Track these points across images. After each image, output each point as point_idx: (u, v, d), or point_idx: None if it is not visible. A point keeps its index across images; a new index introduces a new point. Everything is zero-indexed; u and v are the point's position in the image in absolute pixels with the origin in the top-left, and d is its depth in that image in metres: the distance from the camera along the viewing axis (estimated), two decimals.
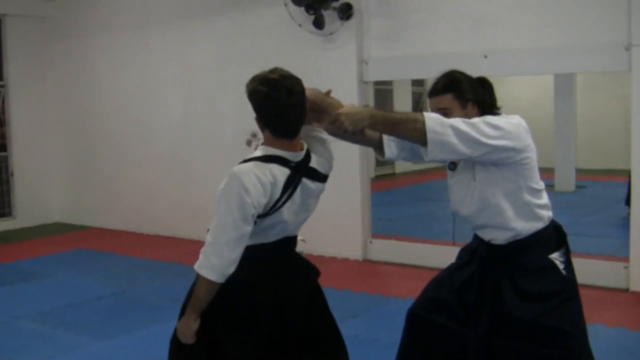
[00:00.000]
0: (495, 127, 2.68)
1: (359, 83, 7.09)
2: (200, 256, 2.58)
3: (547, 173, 11.37)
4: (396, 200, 10.57)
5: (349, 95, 7.12)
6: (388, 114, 2.69)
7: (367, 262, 7.17)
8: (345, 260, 7.22)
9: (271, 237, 2.72)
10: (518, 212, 2.84)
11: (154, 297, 6.00)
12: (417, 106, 15.06)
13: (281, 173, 2.62)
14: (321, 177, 2.80)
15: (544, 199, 2.91)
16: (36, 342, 4.92)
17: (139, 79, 8.89)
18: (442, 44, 6.59)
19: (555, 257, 2.88)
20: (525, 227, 2.85)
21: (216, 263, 2.53)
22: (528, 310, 2.80)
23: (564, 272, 2.87)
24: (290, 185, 2.65)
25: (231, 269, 2.56)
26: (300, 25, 6.98)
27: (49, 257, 7.69)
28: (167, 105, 8.60)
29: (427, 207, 10.11)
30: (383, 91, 11.31)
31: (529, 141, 2.79)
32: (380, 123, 2.68)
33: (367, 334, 4.84)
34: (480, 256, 2.96)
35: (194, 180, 8.43)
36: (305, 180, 2.70)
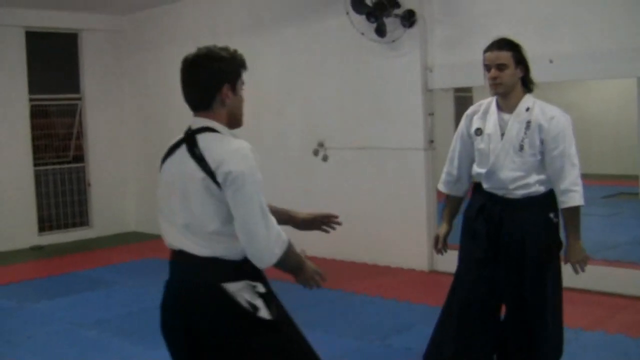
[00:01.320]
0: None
1: (423, 91, 6.96)
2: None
3: (630, 180, 11.00)
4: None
5: (413, 103, 7.02)
6: None
7: (433, 272, 7.02)
8: (410, 271, 7.09)
9: None
10: (539, 174, 3.51)
11: None
12: None
13: None
14: (198, 156, 2.55)
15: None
16: (92, 350, 5.01)
17: None
18: None
19: (552, 216, 3.54)
20: (538, 187, 3.51)
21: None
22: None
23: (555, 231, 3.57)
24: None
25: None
26: (362, 34, 6.91)
27: (119, 266, 7.85)
28: None
29: None
30: (463, 98, 11.11)
31: None
32: None
33: (419, 347, 4.69)
34: (492, 211, 3.56)
35: (265, 191, 8.43)
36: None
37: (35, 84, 9.33)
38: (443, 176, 3.94)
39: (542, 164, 3.51)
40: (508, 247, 3.52)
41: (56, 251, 9.00)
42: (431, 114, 6.97)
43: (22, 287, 7.10)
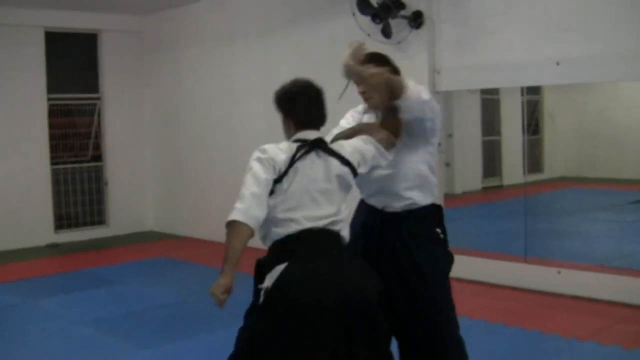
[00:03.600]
0: (434, 101, 3.17)
1: (431, 93, 6.84)
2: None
3: None
4: (493, 213, 10.19)
5: None
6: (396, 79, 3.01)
7: None
8: None
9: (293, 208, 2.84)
10: (419, 183, 3.21)
11: (213, 306, 6.00)
12: (533, 117, 14.52)
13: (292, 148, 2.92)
14: (341, 158, 2.95)
15: (436, 178, 3.30)
16: (81, 348, 5.03)
17: (226, 90, 9.02)
18: (515, 51, 6.28)
19: (438, 231, 3.26)
20: (421, 198, 3.21)
21: (240, 206, 2.71)
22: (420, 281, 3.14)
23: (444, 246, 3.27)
24: (300, 151, 2.89)
25: (257, 212, 2.72)
26: (368, 35, 6.84)
27: (129, 265, 7.90)
28: (252, 116, 8.66)
29: (520, 222, 9.69)
30: (490, 101, 10.97)
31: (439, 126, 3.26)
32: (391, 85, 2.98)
33: None
34: (373, 225, 3.25)
35: None
36: (322, 153, 2.93)
37: (54, 84, 9.45)
38: None
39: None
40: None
41: (71, 249, 9.10)
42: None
43: (31, 283, 7.18)
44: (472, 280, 6.55)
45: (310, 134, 2.95)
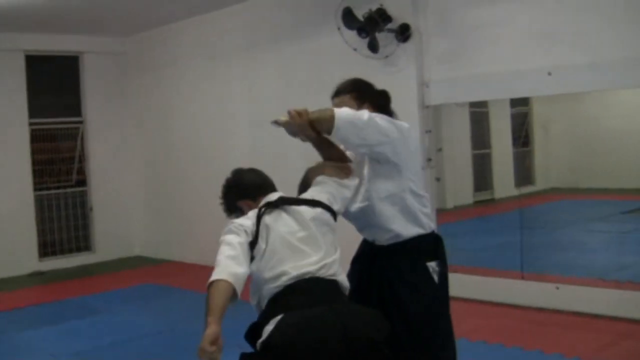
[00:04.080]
0: (390, 121, 2.93)
1: (420, 107, 6.71)
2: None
3: None
4: (485, 227, 10.02)
5: (410, 121, 6.74)
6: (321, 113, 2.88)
7: None
8: None
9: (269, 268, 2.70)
10: (399, 214, 2.98)
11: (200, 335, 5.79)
12: (522, 128, 14.40)
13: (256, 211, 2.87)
14: (309, 202, 2.87)
15: (427, 207, 3.08)
16: None
17: (210, 110, 8.85)
18: (505, 62, 6.13)
19: (433, 265, 3.01)
20: (405, 230, 2.98)
21: (216, 270, 2.58)
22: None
23: (437, 282, 3.01)
24: (262, 209, 2.84)
25: (235, 269, 2.58)
26: (355, 50, 6.68)
27: (114, 293, 7.68)
28: (236, 136, 8.50)
29: (514, 235, 9.53)
30: (479, 114, 10.84)
31: (413, 147, 3.08)
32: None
33: None
34: (367, 256, 3.09)
35: None
36: (288, 207, 2.85)
37: (36, 108, 9.26)
38: None
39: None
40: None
41: (57, 277, 8.86)
42: (428, 131, 6.71)
43: (12, 315, 6.95)
44: (468, 298, 6.35)
45: (270, 197, 2.92)
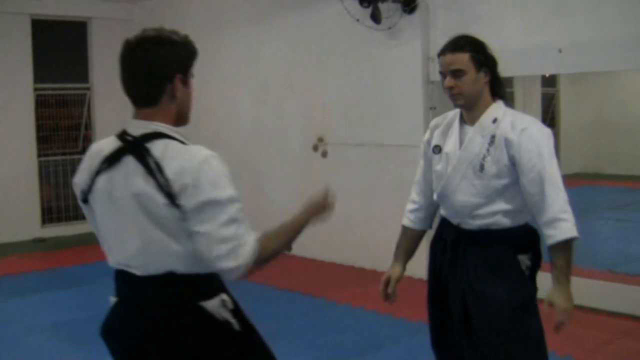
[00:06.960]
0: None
1: (424, 83, 6.41)
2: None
3: None
4: None
5: (414, 97, 6.48)
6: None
7: None
8: (407, 279, 6.52)
9: None
10: (507, 203, 2.79)
11: None
12: (549, 110, 13.89)
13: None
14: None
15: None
16: (30, 356, 4.66)
17: (215, 79, 8.62)
18: (514, 38, 5.79)
19: (523, 258, 2.80)
20: (502, 219, 2.80)
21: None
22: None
23: (527, 275, 2.80)
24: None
25: None
26: (357, 20, 6.38)
27: (102, 264, 7.48)
28: (239, 108, 8.29)
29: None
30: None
31: None
32: None
33: None
34: (447, 240, 2.92)
35: (263, 186, 8.04)
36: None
37: (42, 74, 9.10)
38: (407, 204, 3.18)
39: (509, 190, 2.77)
40: (452, 305, 2.90)
41: (58, 244, 8.75)
42: (433, 108, 6.40)
43: (4, 282, 6.83)
44: None
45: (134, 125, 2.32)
